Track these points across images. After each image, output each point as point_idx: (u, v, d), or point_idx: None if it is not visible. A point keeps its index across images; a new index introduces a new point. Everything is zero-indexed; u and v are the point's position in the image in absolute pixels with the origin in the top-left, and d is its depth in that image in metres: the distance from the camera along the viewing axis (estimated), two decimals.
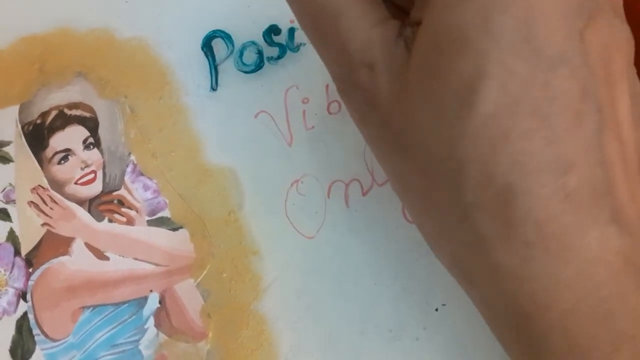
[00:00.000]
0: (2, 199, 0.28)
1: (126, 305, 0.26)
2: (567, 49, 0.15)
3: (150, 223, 0.27)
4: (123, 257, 0.27)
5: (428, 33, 0.16)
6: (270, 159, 0.28)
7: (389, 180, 0.19)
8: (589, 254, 0.15)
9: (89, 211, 0.27)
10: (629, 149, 0.16)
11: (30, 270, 0.27)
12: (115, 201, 0.28)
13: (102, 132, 0.28)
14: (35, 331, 0.26)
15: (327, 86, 0.28)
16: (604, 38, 0.15)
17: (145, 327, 0.26)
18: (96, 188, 0.28)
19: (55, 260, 0.27)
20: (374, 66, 0.17)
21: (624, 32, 0.16)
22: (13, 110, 0.29)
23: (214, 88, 0.29)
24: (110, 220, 0.27)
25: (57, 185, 0.28)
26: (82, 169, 0.28)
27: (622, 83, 0.16)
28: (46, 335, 0.26)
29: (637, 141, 0.16)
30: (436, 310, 0.26)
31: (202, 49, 0.29)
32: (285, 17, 0.29)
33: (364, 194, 0.27)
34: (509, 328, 0.17)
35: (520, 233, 0.15)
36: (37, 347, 0.26)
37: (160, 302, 0.26)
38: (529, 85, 0.15)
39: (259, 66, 0.29)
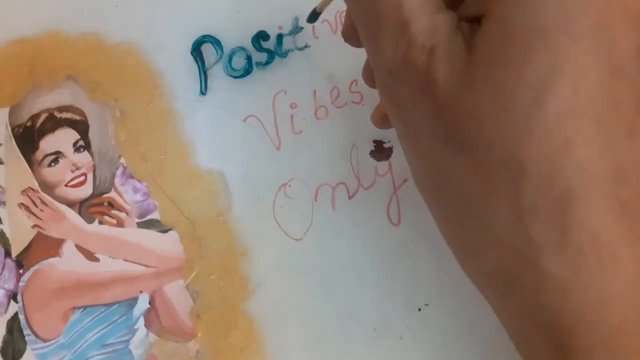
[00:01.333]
0: None
1: (116, 305, 0.27)
2: (629, 61, 0.15)
3: (140, 225, 0.28)
4: (113, 258, 0.27)
5: (499, 24, 0.15)
6: (259, 162, 0.28)
7: (422, 178, 0.18)
8: (639, 268, 0.15)
9: (80, 213, 0.28)
10: None
11: (21, 271, 0.27)
12: (106, 203, 0.28)
13: (92, 135, 0.29)
14: (26, 331, 0.27)
15: (314, 92, 0.29)
16: None
17: (136, 327, 0.26)
18: (86, 190, 0.28)
19: (45, 262, 0.27)
20: (435, 50, 0.16)
21: None
22: (3, 113, 0.29)
23: (203, 92, 0.29)
24: (100, 222, 0.28)
25: (48, 187, 0.28)
26: (73, 171, 0.28)
27: None
28: (37, 336, 0.26)
29: None
30: (419, 310, 0.26)
31: (192, 53, 0.30)
32: (274, 24, 0.30)
33: (350, 197, 0.28)
34: (547, 344, 0.16)
35: (575, 241, 0.15)
36: (28, 347, 0.26)
37: (150, 303, 0.27)
38: (596, 90, 0.14)
39: (247, 71, 0.29)
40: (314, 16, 0.26)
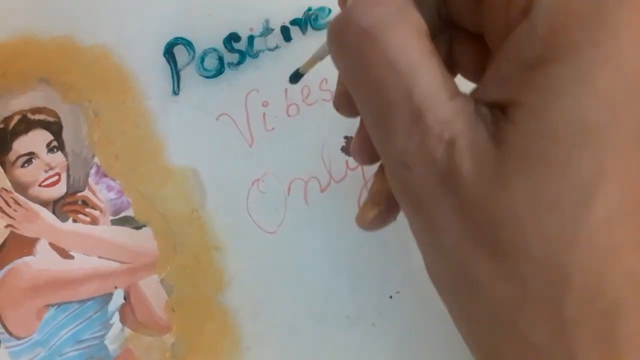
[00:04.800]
0: None
1: (91, 302, 0.27)
2: None
3: (114, 222, 0.28)
4: (88, 255, 0.27)
5: (537, 118, 0.14)
6: (232, 159, 0.29)
7: (440, 275, 0.16)
8: None
9: (54, 212, 0.28)
10: None
11: None
12: (80, 202, 0.28)
13: (66, 135, 0.29)
14: (0, 330, 0.26)
15: (286, 90, 0.30)
16: None
17: (111, 322, 0.27)
18: (60, 189, 0.28)
19: (19, 261, 0.27)
20: (455, 142, 0.14)
21: None
22: None
23: (176, 92, 0.30)
24: (74, 221, 0.28)
25: (21, 187, 0.28)
26: (46, 171, 0.28)
27: None
28: (10, 334, 0.26)
29: None
30: (390, 297, 0.27)
31: (164, 55, 0.30)
32: (245, 26, 0.30)
33: (322, 191, 0.29)
34: None
35: (623, 358, 0.13)
36: (2, 345, 0.26)
37: (125, 298, 0.27)
38: None
39: (219, 71, 0.30)
40: (296, 76, 0.25)
